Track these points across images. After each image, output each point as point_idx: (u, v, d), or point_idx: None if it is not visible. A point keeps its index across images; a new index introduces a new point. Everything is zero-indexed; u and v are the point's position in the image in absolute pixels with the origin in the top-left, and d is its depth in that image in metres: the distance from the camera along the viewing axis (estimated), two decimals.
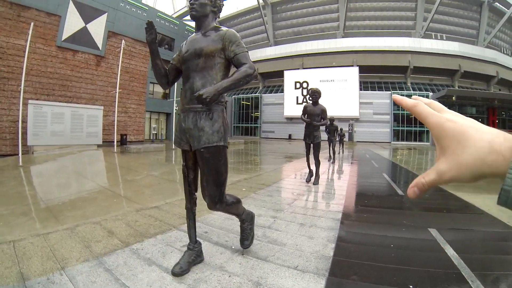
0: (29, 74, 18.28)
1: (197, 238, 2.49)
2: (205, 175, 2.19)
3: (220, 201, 2.24)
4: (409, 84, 43.02)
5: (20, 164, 11.63)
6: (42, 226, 4.17)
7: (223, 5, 2.47)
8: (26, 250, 2.61)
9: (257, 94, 51.70)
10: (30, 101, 17.55)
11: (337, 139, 17.48)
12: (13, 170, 10.92)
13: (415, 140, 39.95)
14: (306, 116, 6.44)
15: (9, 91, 17.43)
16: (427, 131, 39.07)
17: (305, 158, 6.91)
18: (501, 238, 3.26)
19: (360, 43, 44.43)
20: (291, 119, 45.52)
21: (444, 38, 43.75)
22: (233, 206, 2.43)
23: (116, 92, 18.70)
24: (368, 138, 40.69)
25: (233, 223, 3.40)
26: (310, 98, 6.50)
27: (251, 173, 8.72)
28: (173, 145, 19.95)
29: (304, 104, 6.67)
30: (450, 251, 2.75)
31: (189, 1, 2.32)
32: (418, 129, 39.97)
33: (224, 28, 2.27)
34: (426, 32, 44.37)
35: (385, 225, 3.74)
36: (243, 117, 52.70)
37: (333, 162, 11.70)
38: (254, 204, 4.55)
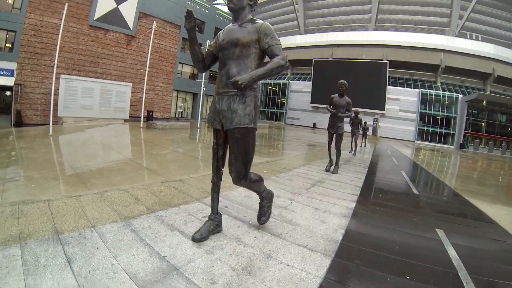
0: (62, 51, 19.04)
1: (218, 211, 2.70)
2: (234, 153, 2.40)
3: (245, 177, 2.45)
4: (438, 84, 41.54)
5: (50, 133, 12.32)
6: (73, 190, 4.55)
7: None
8: (60, 209, 2.86)
9: (285, 80, 51.42)
10: (62, 76, 18.46)
11: (361, 132, 17.43)
12: (43, 139, 11.63)
13: (439, 142, 38.74)
14: (331, 107, 6.60)
15: (42, 66, 18.42)
16: (453, 134, 38.00)
17: (327, 147, 7.06)
18: (507, 250, 3.29)
19: (391, 37, 43.12)
20: (316, 108, 45.09)
21: (479, 39, 41.65)
22: (255, 184, 2.63)
23: (145, 70, 19.12)
24: (391, 134, 39.95)
25: (252, 200, 3.66)
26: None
27: (274, 157, 9.00)
28: (206, 123, 20.37)
29: (331, 95, 6.77)
30: (452, 253, 2.85)
31: None
32: (443, 131, 38.75)
33: (259, 21, 2.43)
34: (460, 30, 42.45)
35: (395, 220, 3.84)
36: (269, 102, 52.63)
37: (354, 154, 11.82)
38: (274, 185, 4.71)
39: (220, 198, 2.75)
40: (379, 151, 17.19)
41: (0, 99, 19.97)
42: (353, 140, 12.42)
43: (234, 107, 2.37)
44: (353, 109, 13.13)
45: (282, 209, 3.61)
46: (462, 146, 36.65)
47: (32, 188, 4.70)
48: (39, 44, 18.63)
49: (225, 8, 51.98)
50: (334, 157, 6.85)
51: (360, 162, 9.78)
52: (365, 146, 17.20)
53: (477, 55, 39.11)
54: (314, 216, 3.48)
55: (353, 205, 4.14)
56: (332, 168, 6.79)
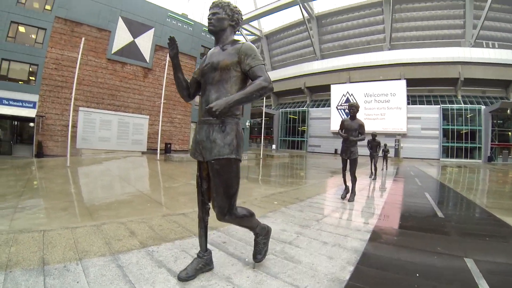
0: (81, 84, 20.03)
1: (214, 247, 2.65)
2: (215, 186, 2.22)
3: (229, 212, 2.25)
4: (459, 97, 40.51)
5: (68, 164, 12.50)
6: (78, 221, 4.54)
7: (242, 19, 2.52)
8: (53, 239, 2.90)
9: (304, 108, 51.87)
10: (80, 108, 19.16)
11: (381, 155, 16.88)
12: (61, 170, 11.99)
13: (465, 157, 37.35)
14: (343, 131, 6.35)
15: (62, 98, 19.19)
16: (479, 148, 36.56)
17: (341, 174, 6.73)
18: None
19: (407, 55, 42.87)
20: (337, 134, 44.59)
21: (496, 46, 40.60)
22: (244, 219, 2.42)
23: (161, 102, 19.49)
24: (415, 154, 38.80)
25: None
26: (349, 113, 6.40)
27: (288, 187, 8.66)
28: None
29: (342, 118, 6.54)
30: (485, 287, 2.46)
31: (208, 16, 2.39)
32: (469, 145, 37.39)
33: (242, 42, 2.29)
34: (476, 40, 41.60)
35: (415, 250, 3.42)
36: (290, 131, 53.00)
37: (374, 179, 11.21)
38: (282, 218, 4.47)
39: (219, 233, 2.77)
40: (402, 173, 16.49)
41: (24, 130, 20.60)
42: (373, 163, 11.93)
43: (213, 136, 2.21)
44: (371, 131, 12.92)
45: (286, 245, 3.32)
46: (490, 159, 35.18)
47: (39, 218, 4.69)
48: (60, 77, 19.53)
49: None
50: (350, 184, 6.46)
51: (380, 187, 9.33)
52: (386, 169, 16.56)
53: (496, 63, 38.08)
54: (321, 251, 3.16)
55: (367, 236, 3.77)
56: (348, 195, 6.40)
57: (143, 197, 6.85)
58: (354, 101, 44.45)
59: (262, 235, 2.62)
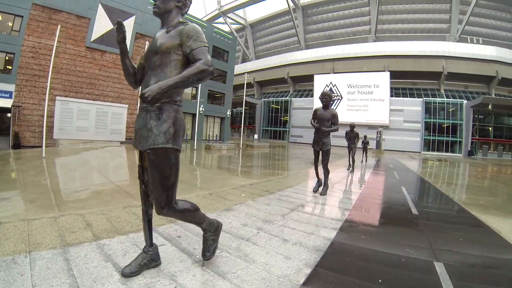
0: (59, 73, 19.52)
1: (167, 241, 2.61)
2: (152, 178, 2.07)
3: (167, 206, 2.09)
4: (442, 91, 41.18)
5: (43, 155, 12.18)
6: (44, 212, 4.38)
7: (190, 0, 2.38)
8: (8, 232, 2.87)
9: (287, 98, 51.67)
10: (57, 98, 18.65)
11: (361, 147, 16.86)
12: (35, 161, 11.69)
13: (446, 151, 38.12)
14: (315, 121, 6.06)
15: (39, 88, 18.55)
16: (460, 142, 37.28)
17: (313, 166, 6.47)
18: None
19: (392, 48, 43.15)
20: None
21: (481, 42, 41.44)
22: (186, 214, 2.25)
23: (139, 91, 18.91)
24: (397, 147, 39.33)
25: None
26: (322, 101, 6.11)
27: (261, 179, 8.42)
28: (194, 145, 20.26)
29: (315, 108, 6.28)
30: None
31: None
32: (450, 139, 38.10)
33: (187, 23, 2.14)
34: (461, 35, 42.35)
35: (382, 252, 3.20)
36: (272, 120, 52.85)
37: (352, 171, 11.05)
38: (246, 212, 4.28)
39: (177, 226, 2.75)
40: (381, 165, 16.52)
41: (0, 121, 20.28)
42: (350, 155, 11.77)
43: (150, 124, 2.06)
44: (349, 122, 12.75)
45: (243, 241, 3.11)
46: (470, 153, 35.95)
47: (6, 209, 4.55)
48: (37, 66, 18.92)
49: (223, 27, 52.81)
50: (322, 177, 6.22)
51: (357, 180, 9.17)
52: (366, 161, 16.55)
53: (480, 59, 38.83)
54: (279, 249, 2.95)
55: (333, 234, 3.56)
56: (320, 189, 6.16)
57: (114, 188, 6.71)
58: (338, 92, 44.93)
59: (210, 231, 2.48)
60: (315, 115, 6.11)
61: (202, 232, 2.49)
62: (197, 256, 2.61)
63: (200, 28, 2.13)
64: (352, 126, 12.16)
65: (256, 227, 3.62)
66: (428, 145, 39.41)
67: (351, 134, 12.09)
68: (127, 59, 2.36)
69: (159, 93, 1.85)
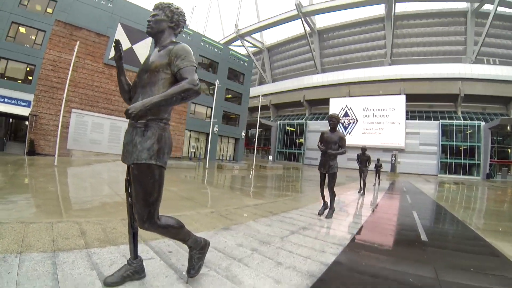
0: (77, 86, 20.47)
1: (157, 256, 2.65)
2: (135, 192, 2.10)
3: (149, 221, 2.10)
4: (459, 113, 40.33)
5: (55, 164, 12.57)
6: (46, 217, 4.40)
7: (184, 20, 2.46)
8: (4, 232, 3.01)
9: (302, 120, 51.60)
10: (73, 110, 19.33)
11: (374, 169, 16.53)
12: (47, 168, 12.04)
13: (464, 173, 36.92)
14: (322, 144, 5.99)
15: (57, 99, 19.33)
16: (478, 164, 36.16)
17: (319, 189, 6.30)
18: None
19: (407, 71, 42.94)
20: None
21: (497, 63, 40.74)
22: (169, 230, 2.25)
23: None
24: (413, 170, 38.40)
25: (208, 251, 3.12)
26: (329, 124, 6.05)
27: (267, 199, 8.26)
28: (206, 164, 20.21)
29: (322, 130, 6.19)
30: None
31: (147, 19, 2.35)
32: (468, 162, 36.96)
33: (178, 42, 2.23)
34: (477, 57, 41.77)
35: (381, 282, 2.97)
36: (287, 142, 52.64)
37: (363, 194, 10.81)
38: (245, 232, 4.18)
39: (170, 242, 2.78)
40: (394, 189, 16.05)
41: (17, 128, 21.04)
42: (362, 179, 11.52)
43: (135, 140, 2.10)
44: (361, 145, 12.55)
45: (234, 261, 3.01)
46: (489, 176, 34.74)
47: (11, 211, 4.60)
48: (56, 79, 19.79)
49: (238, 49, 53.78)
50: (328, 200, 6.06)
51: (367, 203, 8.88)
52: (379, 184, 16.16)
53: (497, 80, 38.03)
54: (271, 272, 2.81)
55: (332, 259, 3.37)
56: (326, 212, 5.99)
57: (119, 201, 6.64)
58: (353, 115, 44.67)
59: (196, 249, 2.45)
60: (322, 137, 6.06)
61: None
62: (184, 273, 2.56)
63: (189, 48, 2.19)
64: (364, 149, 12.00)
65: (251, 248, 3.50)
66: (445, 168, 38.31)
67: (363, 157, 11.89)
68: (123, 77, 2.44)
69: (142, 110, 1.91)
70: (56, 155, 13.37)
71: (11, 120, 20.22)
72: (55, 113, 19.14)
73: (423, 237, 5.03)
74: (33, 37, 19.77)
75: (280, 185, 14.62)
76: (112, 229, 3.62)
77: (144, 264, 2.46)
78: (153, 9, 2.36)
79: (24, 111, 18.55)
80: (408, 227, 6.03)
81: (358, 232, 4.93)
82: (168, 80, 2.13)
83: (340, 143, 5.87)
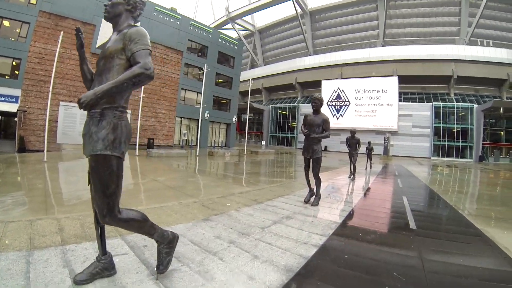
0: (65, 78, 20.05)
1: (132, 251, 2.59)
2: (93, 184, 2.05)
3: (109, 214, 2.03)
4: (452, 95, 40.25)
5: (45, 159, 12.43)
6: (32, 215, 4.48)
7: (141, 2, 2.37)
8: None
9: (295, 104, 51.26)
10: (61, 103, 18.99)
11: (365, 153, 16.44)
12: (36, 165, 11.93)
13: (456, 156, 37.12)
14: (306, 127, 5.71)
15: (45, 93, 18.78)
16: (471, 147, 36.36)
17: (304, 175, 6.12)
18: None
19: (400, 52, 42.54)
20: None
21: (491, 45, 40.39)
22: (131, 224, 2.16)
23: (140, 97, 19.00)
24: (406, 152, 38.53)
25: (183, 244, 3.12)
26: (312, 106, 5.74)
27: (254, 187, 8.10)
28: (197, 151, 19.97)
29: (305, 113, 5.94)
30: None
31: (104, 4, 2.28)
32: (460, 144, 37.11)
33: (134, 26, 2.19)
34: (471, 38, 41.41)
35: (364, 277, 2.78)
36: (280, 127, 52.38)
37: (353, 179, 10.59)
38: (224, 223, 4.02)
39: (144, 236, 2.49)
40: (386, 172, 15.91)
41: (7, 125, 20.88)
42: (352, 163, 11.29)
43: (91, 130, 2.03)
44: (350, 128, 12.29)
45: (209, 255, 2.87)
46: (481, 159, 35.00)
47: None
48: (43, 72, 19.32)
49: (229, 33, 52.81)
50: (314, 186, 5.85)
51: (356, 189, 8.64)
52: (370, 168, 16.06)
53: (490, 62, 37.81)
54: (246, 267, 2.66)
55: (313, 251, 3.20)
56: (312, 199, 5.82)
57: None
58: (346, 97, 44.42)
59: (163, 244, 2.36)
60: (305, 120, 5.77)
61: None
62: (155, 269, 2.43)
63: (144, 31, 2.11)
64: (353, 132, 11.68)
65: (228, 240, 3.35)
66: (437, 150, 38.47)
67: (352, 141, 11.54)
68: (85, 65, 2.34)
69: (92, 99, 1.84)
70: (45, 151, 13.17)
71: None
72: (44, 107, 18.55)
73: (412, 224, 4.82)
74: (17, 30, 19.27)
75: (269, 171, 14.47)
76: (90, 224, 3.51)
77: (116, 259, 2.42)
78: None
79: (12, 107, 18.19)
80: (397, 214, 5.83)
81: (344, 221, 4.72)
82: (123, 66, 2.04)
83: (324, 126, 5.59)
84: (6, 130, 20.84)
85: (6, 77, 18.86)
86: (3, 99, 18.09)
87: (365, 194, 7.78)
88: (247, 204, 5.35)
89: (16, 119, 18.89)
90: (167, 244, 2.38)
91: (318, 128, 5.59)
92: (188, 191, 7.26)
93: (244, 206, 5.18)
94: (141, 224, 2.19)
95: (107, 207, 2.00)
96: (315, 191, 5.83)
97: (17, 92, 18.71)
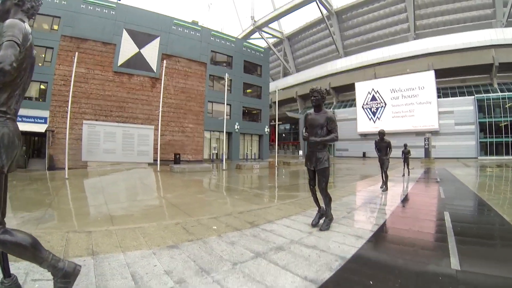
0: (89, 98, 21.37)
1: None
2: None
3: None
4: (495, 85, 36.83)
5: (66, 176, 12.92)
6: (36, 228, 4.58)
7: None
8: None
9: (330, 110, 49.89)
10: (84, 121, 19.57)
11: (401, 157, 15.13)
12: (57, 181, 12.65)
13: (507, 153, 33.42)
14: (306, 130, 4.52)
15: (71, 113, 19.43)
16: None
17: (310, 191, 4.87)
18: None
19: (434, 44, 40.23)
20: (365, 135, 43.30)
21: None
22: (9, 247, 1.88)
23: (159, 111, 19.00)
24: (449, 153, 35.68)
25: (120, 276, 2.50)
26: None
27: (262, 204, 7.14)
28: (224, 165, 19.35)
29: (306, 111, 4.88)
30: None
31: None
32: (510, 139, 33.57)
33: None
34: (508, 19, 37.58)
35: None
36: None
37: (385, 190, 9.08)
38: (191, 253, 3.29)
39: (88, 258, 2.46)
40: (426, 179, 13.95)
41: (41, 145, 22.19)
42: (383, 170, 9.62)
43: None
44: (379, 130, 10.55)
45: None
46: None
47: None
48: (68, 93, 19.85)
49: (258, 42, 52.61)
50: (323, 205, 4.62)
51: (386, 203, 7.11)
52: (408, 174, 14.43)
53: None
54: None
55: None
56: (321, 222, 4.59)
57: (103, 211, 6.43)
58: (381, 99, 42.28)
59: (57, 277, 2.05)
60: (306, 120, 4.60)
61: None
62: None
63: (14, 22, 1.95)
64: (382, 133, 9.86)
65: (177, 279, 2.56)
66: (485, 148, 35.18)
67: (381, 144, 9.73)
68: None
69: None
70: (66, 168, 13.63)
71: (32, 138, 21.41)
72: (71, 126, 19.36)
73: (454, 262, 3.18)
74: (43, 55, 20.53)
75: (292, 184, 13.35)
76: (70, 240, 3.46)
77: (35, 285, 2.29)
78: None
79: (41, 128, 19.49)
80: (434, 243, 4.19)
81: (353, 257, 3.34)
82: None
83: (329, 126, 4.33)
84: (39, 150, 22.12)
85: (36, 99, 20.39)
86: (32, 120, 19.44)
87: (395, 211, 6.26)
88: (238, 227, 4.46)
89: (45, 138, 20.07)
90: (61, 277, 2.06)
91: (321, 129, 4.36)
92: (188, 209, 6.55)
93: (233, 230, 4.31)
94: (24, 249, 1.90)
95: None
96: (325, 211, 4.63)
97: (46, 113, 20.17)
